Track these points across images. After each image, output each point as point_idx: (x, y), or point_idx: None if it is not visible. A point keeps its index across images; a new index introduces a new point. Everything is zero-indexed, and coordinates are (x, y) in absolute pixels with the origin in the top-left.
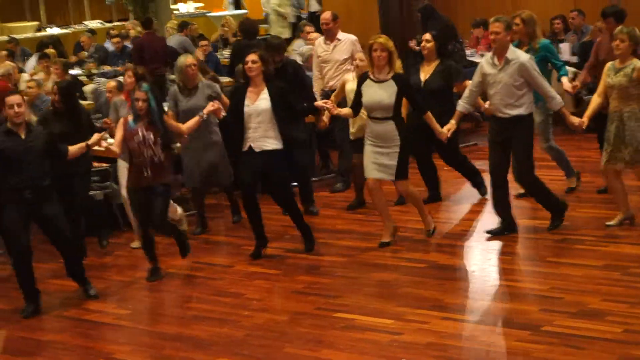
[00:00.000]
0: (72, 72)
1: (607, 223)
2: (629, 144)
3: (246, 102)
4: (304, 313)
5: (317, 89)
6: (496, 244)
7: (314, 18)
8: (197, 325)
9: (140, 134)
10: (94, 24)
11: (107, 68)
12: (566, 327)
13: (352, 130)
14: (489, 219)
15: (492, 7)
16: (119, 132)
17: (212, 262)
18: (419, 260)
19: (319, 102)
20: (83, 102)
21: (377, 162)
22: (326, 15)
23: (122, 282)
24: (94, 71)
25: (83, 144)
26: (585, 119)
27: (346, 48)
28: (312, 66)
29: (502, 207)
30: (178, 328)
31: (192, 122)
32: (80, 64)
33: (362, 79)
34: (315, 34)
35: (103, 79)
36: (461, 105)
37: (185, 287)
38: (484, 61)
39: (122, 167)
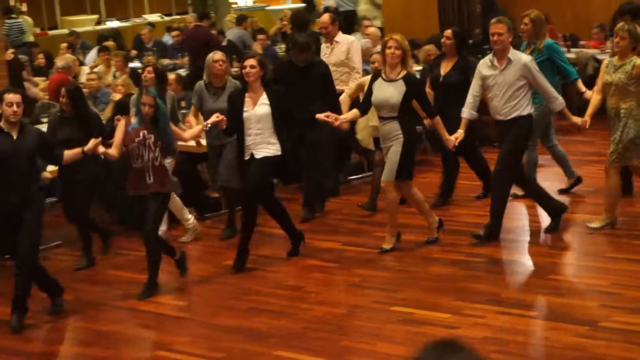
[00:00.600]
0: (131, 65)
1: (589, 225)
2: (620, 141)
3: (245, 107)
4: (361, 306)
5: None
6: (554, 239)
7: None
8: (255, 318)
9: (140, 134)
10: (154, 17)
11: (166, 61)
12: (625, 322)
13: (359, 137)
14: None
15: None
16: (119, 134)
17: (270, 254)
18: (476, 254)
19: (320, 116)
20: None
21: (385, 163)
22: (325, 18)
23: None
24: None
25: (79, 150)
26: (587, 117)
27: (344, 50)
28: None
29: (542, 200)
30: (236, 320)
31: (195, 131)
32: (139, 57)
33: (374, 77)
34: (373, 29)
35: None
36: (466, 112)
37: (243, 279)
38: (482, 65)
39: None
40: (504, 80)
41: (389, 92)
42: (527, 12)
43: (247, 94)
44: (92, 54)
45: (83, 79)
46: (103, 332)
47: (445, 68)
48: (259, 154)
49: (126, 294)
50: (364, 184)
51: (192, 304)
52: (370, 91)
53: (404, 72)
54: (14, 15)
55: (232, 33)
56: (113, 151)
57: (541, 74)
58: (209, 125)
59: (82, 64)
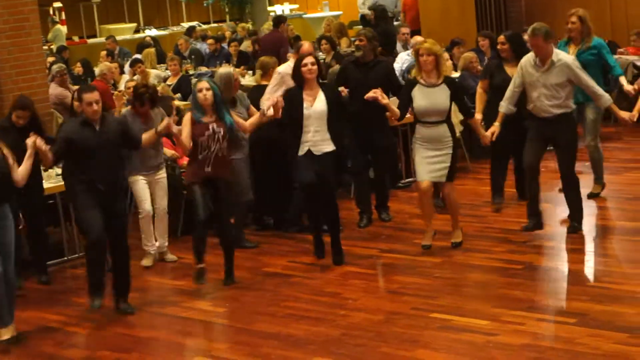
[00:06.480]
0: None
1: None
2: None
3: (304, 104)
4: (399, 313)
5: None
6: (593, 246)
7: None
8: (294, 324)
9: (210, 128)
10: (191, 25)
11: (204, 69)
12: None
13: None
14: (587, 220)
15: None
16: (186, 128)
17: (308, 261)
18: (515, 261)
19: (369, 93)
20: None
21: (431, 166)
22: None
23: (219, 281)
24: (191, 72)
25: (152, 131)
26: (635, 112)
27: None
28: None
29: (535, 202)
30: (275, 326)
31: (254, 119)
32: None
33: (410, 84)
34: (418, 38)
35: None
36: (504, 106)
37: (282, 286)
38: (526, 62)
39: (139, 180)
40: (547, 81)
41: (434, 97)
42: (573, 11)
43: (304, 91)
44: (128, 65)
45: (122, 87)
46: (142, 338)
47: (512, 72)
48: (318, 151)
49: (165, 301)
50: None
51: (231, 311)
52: (409, 99)
53: (442, 76)
54: None
55: None
56: (185, 140)
57: (584, 73)
58: (267, 111)
59: (122, 72)
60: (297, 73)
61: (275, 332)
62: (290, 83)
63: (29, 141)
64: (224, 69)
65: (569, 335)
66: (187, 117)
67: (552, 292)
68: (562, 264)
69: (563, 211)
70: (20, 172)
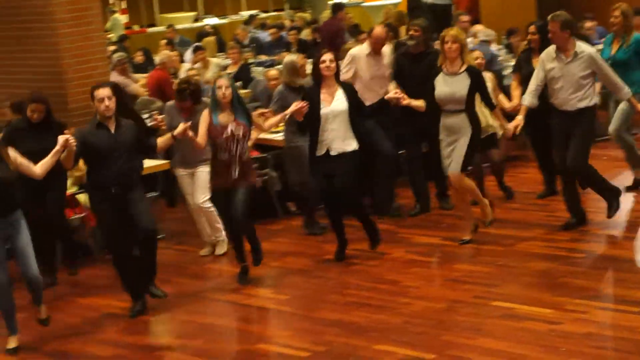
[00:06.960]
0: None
1: None
2: None
3: (322, 104)
4: (461, 301)
5: None
6: None
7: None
8: (356, 312)
9: (228, 129)
10: (251, 13)
11: (263, 57)
12: None
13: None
14: None
15: None
16: (203, 126)
17: (369, 249)
18: (577, 250)
19: (390, 95)
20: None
21: (451, 156)
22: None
23: (281, 269)
24: (251, 61)
25: (169, 135)
26: None
27: None
28: None
29: (574, 202)
30: (337, 314)
31: (274, 120)
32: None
33: (435, 74)
34: (479, 27)
35: (259, 68)
36: (527, 99)
37: (343, 273)
38: (546, 56)
39: (182, 175)
40: (570, 72)
41: (452, 86)
42: (617, 5)
43: (322, 90)
44: (188, 53)
45: (182, 75)
46: (205, 325)
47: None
48: (336, 150)
49: (226, 288)
50: None
51: (293, 298)
52: (433, 87)
53: (465, 65)
54: None
55: None
56: (200, 140)
57: (606, 64)
58: (288, 115)
59: (183, 60)
60: (315, 70)
61: (337, 319)
62: (360, 65)
63: (62, 137)
64: (289, 57)
65: (633, 324)
66: (205, 113)
67: (615, 281)
68: (624, 253)
69: (623, 200)
70: (42, 164)
